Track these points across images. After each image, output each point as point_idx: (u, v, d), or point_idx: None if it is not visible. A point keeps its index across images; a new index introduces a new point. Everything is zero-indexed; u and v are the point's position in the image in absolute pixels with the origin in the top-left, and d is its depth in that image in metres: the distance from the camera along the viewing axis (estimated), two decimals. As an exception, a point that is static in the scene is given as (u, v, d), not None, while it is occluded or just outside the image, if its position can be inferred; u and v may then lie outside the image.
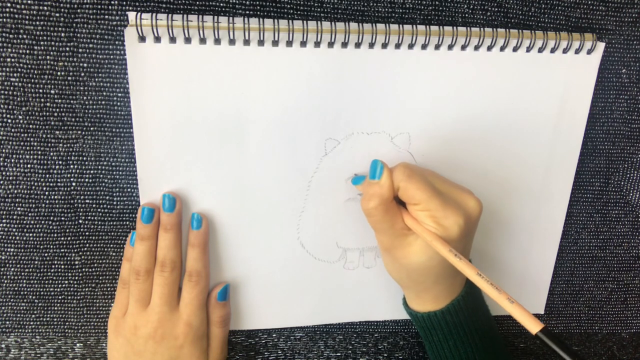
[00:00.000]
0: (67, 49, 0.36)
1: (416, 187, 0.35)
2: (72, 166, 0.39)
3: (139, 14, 0.34)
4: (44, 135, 0.38)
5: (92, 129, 0.38)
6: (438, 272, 0.37)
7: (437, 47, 0.38)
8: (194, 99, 0.37)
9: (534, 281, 0.48)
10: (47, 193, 0.40)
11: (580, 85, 0.42)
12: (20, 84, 0.37)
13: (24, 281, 0.42)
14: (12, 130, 0.38)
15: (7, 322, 0.43)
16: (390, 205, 0.36)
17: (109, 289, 0.43)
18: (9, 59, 0.36)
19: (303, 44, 0.37)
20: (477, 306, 0.40)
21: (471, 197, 0.37)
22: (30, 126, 0.38)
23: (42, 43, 0.36)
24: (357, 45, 0.37)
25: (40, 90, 0.37)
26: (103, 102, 0.38)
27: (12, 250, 0.41)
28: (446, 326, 0.39)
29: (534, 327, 0.30)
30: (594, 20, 0.41)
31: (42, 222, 0.40)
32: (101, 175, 0.40)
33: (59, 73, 0.37)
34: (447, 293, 0.39)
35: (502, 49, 0.39)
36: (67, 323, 0.44)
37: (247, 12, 0.37)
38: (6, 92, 0.37)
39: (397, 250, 0.37)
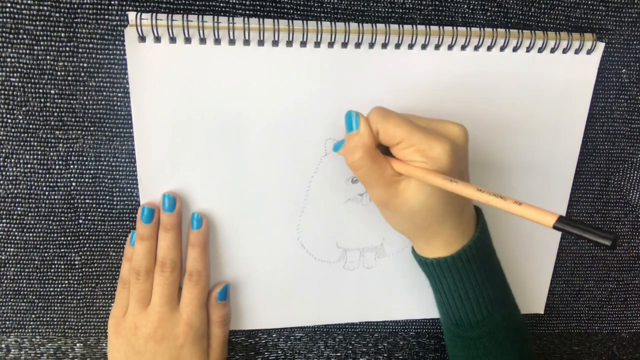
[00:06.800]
0: (67, 49, 0.36)
1: (394, 124, 0.34)
2: (72, 166, 0.39)
3: (139, 14, 0.34)
4: (44, 135, 0.38)
5: (92, 129, 0.38)
6: (441, 211, 0.36)
7: (437, 47, 0.38)
8: (194, 99, 0.37)
9: (534, 281, 0.48)
10: (47, 193, 0.40)
11: (580, 85, 0.42)
12: (20, 84, 0.37)
13: (24, 281, 0.42)
14: (12, 130, 0.38)
15: (7, 322, 0.43)
16: (375, 153, 0.35)
17: (109, 289, 0.43)
18: (9, 59, 0.36)
19: (303, 44, 0.37)
20: (489, 256, 0.39)
21: (453, 124, 0.36)
22: (30, 126, 0.38)
23: (42, 43, 0.36)
24: (357, 45, 0.37)
25: (40, 90, 0.37)
26: (103, 102, 0.38)
27: (12, 250, 0.41)
28: (457, 273, 0.38)
29: (549, 220, 0.28)
30: (594, 20, 0.41)
31: (42, 222, 0.40)
32: (101, 175, 0.40)
33: (59, 73, 0.37)
34: (457, 236, 0.37)
35: (502, 49, 0.39)
36: (67, 323, 0.44)
37: (247, 12, 0.37)
38: (6, 92, 0.37)
39: (393, 199, 0.36)
